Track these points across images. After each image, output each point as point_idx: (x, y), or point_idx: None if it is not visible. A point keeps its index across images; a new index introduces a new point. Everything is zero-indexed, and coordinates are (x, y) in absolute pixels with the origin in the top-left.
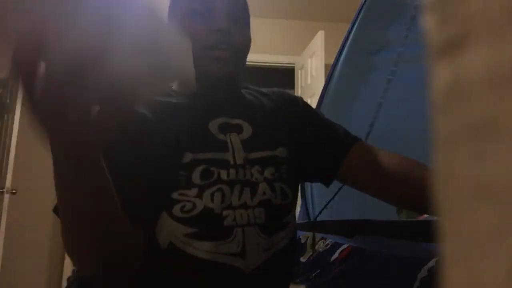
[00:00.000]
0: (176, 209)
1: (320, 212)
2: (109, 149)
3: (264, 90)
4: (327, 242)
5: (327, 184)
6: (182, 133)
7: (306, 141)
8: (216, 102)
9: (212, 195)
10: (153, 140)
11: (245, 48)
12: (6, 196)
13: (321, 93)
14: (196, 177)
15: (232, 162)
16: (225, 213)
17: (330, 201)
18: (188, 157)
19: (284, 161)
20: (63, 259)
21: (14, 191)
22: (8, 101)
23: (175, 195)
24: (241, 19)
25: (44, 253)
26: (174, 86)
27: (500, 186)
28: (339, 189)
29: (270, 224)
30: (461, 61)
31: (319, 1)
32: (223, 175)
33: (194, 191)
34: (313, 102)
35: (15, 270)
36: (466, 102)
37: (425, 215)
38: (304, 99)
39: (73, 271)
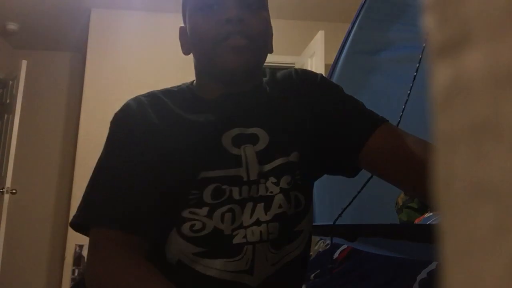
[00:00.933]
0: (186, 228)
1: (337, 219)
2: (130, 162)
3: (279, 75)
4: (327, 242)
5: (349, 172)
6: (195, 151)
7: (326, 124)
8: (230, 111)
9: (222, 215)
10: (166, 159)
11: (263, 33)
12: (6, 196)
13: None
14: (207, 195)
15: (245, 179)
16: (235, 232)
17: (346, 207)
18: (199, 175)
19: (298, 166)
20: (63, 259)
21: (14, 191)
22: (8, 101)
23: (185, 213)
24: (255, 3)
25: (44, 253)
26: (195, 84)
27: (500, 186)
28: (355, 196)
29: (281, 236)
30: (461, 61)
31: (319, 1)
32: (235, 193)
33: (204, 210)
34: None
35: (15, 270)
36: (466, 102)
37: (424, 216)
38: None
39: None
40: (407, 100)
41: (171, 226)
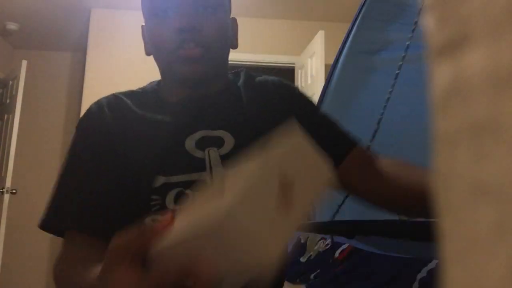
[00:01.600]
0: None
1: (334, 215)
2: (93, 167)
3: (258, 80)
4: (327, 242)
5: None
6: (155, 155)
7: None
8: (194, 113)
9: None
10: (125, 162)
11: (220, 37)
12: (6, 196)
13: (321, 93)
14: (170, 201)
15: (209, 183)
16: None
17: (341, 205)
18: (160, 180)
19: None
20: None
21: (14, 191)
22: (8, 101)
23: (148, 221)
24: (212, 6)
25: (44, 253)
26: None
27: (500, 186)
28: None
29: None
30: (461, 61)
31: (319, 1)
32: None
33: None
34: None
35: (15, 269)
36: (466, 102)
37: None
38: None
39: None
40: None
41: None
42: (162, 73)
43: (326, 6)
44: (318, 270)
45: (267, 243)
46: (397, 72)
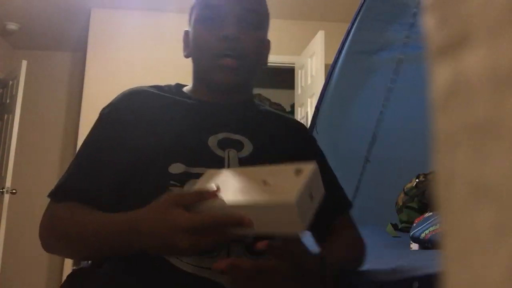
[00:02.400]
0: None
1: None
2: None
3: (278, 112)
4: None
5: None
6: (180, 142)
7: None
8: (221, 115)
9: None
10: (152, 143)
11: (257, 54)
12: (6, 196)
13: (321, 93)
14: (188, 190)
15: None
16: None
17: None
18: (180, 168)
19: None
20: (63, 259)
21: (14, 191)
22: (8, 101)
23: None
24: (255, 24)
25: (44, 253)
26: (189, 87)
27: (500, 186)
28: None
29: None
30: (461, 61)
31: (319, 1)
32: None
33: None
34: (313, 102)
35: (15, 269)
36: (466, 102)
37: (424, 215)
38: (304, 99)
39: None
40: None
41: None
42: (197, 74)
43: (326, 6)
44: None
45: (304, 221)
46: (392, 77)
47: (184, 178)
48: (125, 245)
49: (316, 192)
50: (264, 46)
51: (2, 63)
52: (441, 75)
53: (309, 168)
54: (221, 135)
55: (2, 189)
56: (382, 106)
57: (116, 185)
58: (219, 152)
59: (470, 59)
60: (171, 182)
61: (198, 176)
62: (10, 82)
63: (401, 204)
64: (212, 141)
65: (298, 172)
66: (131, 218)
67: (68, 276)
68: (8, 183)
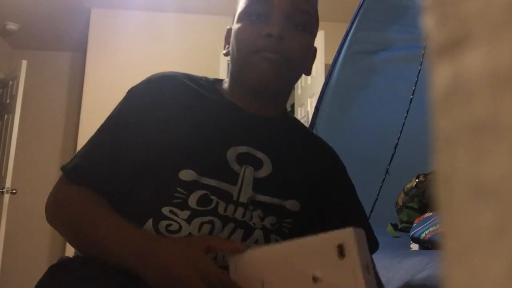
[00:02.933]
0: (162, 225)
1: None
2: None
3: (311, 133)
4: None
5: None
6: (194, 146)
7: (324, 204)
8: (248, 126)
9: (201, 225)
10: (168, 140)
11: (300, 56)
12: (6, 196)
13: (321, 93)
14: (193, 200)
15: (235, 198)
16: None
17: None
18: (190, 175)
19: (292, 214)
20: None
21: (14, 191)
22: (8, 101)
23: (165, 210)
24: (303, 25)
25: (44, 253)
26: (226, 87)
27: (500, 186)
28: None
29: None
30: (461, 61)
31: (319, 1)
32: (221, 207)
33: (185, 213)
34: (313, 102)
35: (15, 269)
36: (466, 102)
37: (424, 215)
38: (304, 99)
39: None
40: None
41: (148, 216)
42: (233, 73)
43: (326, 6)
44: None
45: None
46: (416, 78)
47: (192, 187)
48: (134, 265)
49: (368, 260)
50: (309, 51)
51: (2, 63)
52: (441, 75)
53: (352, 245)
54: (242, 149)
55: (2, 189)
56: (382, 106)
57: (129, 175)
58: (235, 167)
59: (470, 59)
60: (178, 189)
61: (206, 188)
62: (10, 82)
63: (401, 204)
64: (231, 153)
65: (341, 251)
66: (152, 244)
67: (50, 267)
68: (8, 183)
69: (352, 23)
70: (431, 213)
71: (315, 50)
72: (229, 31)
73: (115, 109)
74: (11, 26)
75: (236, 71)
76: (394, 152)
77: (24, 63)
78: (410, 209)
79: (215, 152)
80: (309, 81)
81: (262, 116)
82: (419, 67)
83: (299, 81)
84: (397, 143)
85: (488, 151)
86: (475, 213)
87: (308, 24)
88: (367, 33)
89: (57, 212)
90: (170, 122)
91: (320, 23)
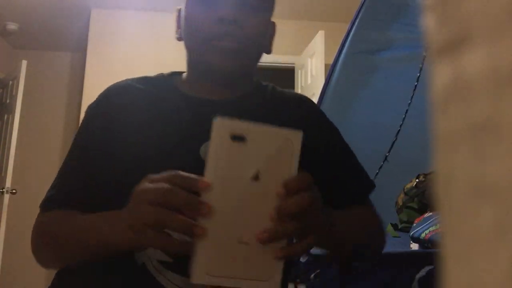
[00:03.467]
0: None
1: None
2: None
3: (282, 93)
4: None
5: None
6: (161, 152)
7: (317, 167)
8: (214, 114)
9: None
10: (132, 151)
11: (258, 36)
12: (6, 196)
13: (321, 93)
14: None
15: None
16: None
17: None
18: None
19: None
20: None
21: (14, 191)
22: (8, 101)
23: None
24: (256, 4)
25: None
26: (183, 79)
27: (500, 186)
28: None
29: None
30: (461, 61)
31: (319, 1)
32: None
33: None
34: None
35: (15, 269)
36: (466, 102)
37: (424, 215)
38: None
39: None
40: (410, 101)
41: None
42: (190, 62)
43: (326, 6)
44: (318, 270)
45: None
46: (418, 74)
47: None
48: (97, 237)
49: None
50: (266, 29)
51: (2, 63)
52: (441, 75)
53: (297, 144)
54: None
55: (2, 189)
56: (383, 106)
57: (103, 196)
58: None
59: (470, 59)
60: None
61: None
62: (10, 82)
63: (401, 204)
64: (205, 149)
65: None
66: (105, 214)
67: (58, 272)
68: (8, 183)
69: (353, 23)
70: (431, 213)
71: (273, 25)
72: (179, 12)
73: (77, 133)
74: (11, 26)
75: (191, 60)
76: (396, 139)
77: (24, 63)
78: (410, 209)
79: (186, 153)
80: (309, 81)
81: (228, 100)
82: (420, 66)
83: (299, 81)
84: (399, 130)
85: (488, 151)
86: (475, 213)
87: (263, 2)
88: (368, 33)
89: (37, 239)
90: (134, 135)
91: (320, 23)
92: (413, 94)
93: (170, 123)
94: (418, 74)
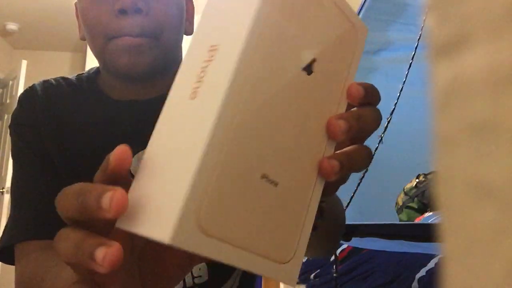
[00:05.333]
0: None
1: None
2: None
3: None
4: None
5: None
6: (89, 172)
7: None
8: (140, 122)
9: None
10: (62, 172)
11: (172, 21)
12: (6, 196)
13: None
14: None
15: None
16: None
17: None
18: None
19: None
20: None
21: None
22: (8, 101)
23: None
24: None
25: None
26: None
27: (500, 186)
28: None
29: (212, 279)
30: (461, 61)
31: None
32: None
33: None
34: None
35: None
36: (466, 102)
37: (424, 216)
38: None
39: None
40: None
41: None
42: (99, 64)
43: None
44: (318, 270)
45: None
46: (406, 72)
47: None
48: None
49: None
50: (181, 9)
51: (2, 63)
52: (441, 75)
53: None
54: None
55: (2, 189)
56: (382, 106)
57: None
58: None
59: (470, 59)
60: None
61: None
62: (10, 82)
63: (401, 204)
64: (134, 163)
65: None
66: None
67: None
68: (8, 183)
69: None
70: (431, 213)
71: (189, 1)
72: (77, 6)
73: (13, 156)
74: (11, 26)
75: (99, 61)
76: (390, 118)
77: (24, 63)
78: (410, 209)
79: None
80: None
81: (155, 99)
82: (408, 66)
83: None
84: (394, 109)
85: (488, 151)
86: (475, 213)
87: None
88: (369, 33)
89: None
90: (72, 143)
91: None
92: (400, 93)
93: (98, 136)
94: (407, 72)
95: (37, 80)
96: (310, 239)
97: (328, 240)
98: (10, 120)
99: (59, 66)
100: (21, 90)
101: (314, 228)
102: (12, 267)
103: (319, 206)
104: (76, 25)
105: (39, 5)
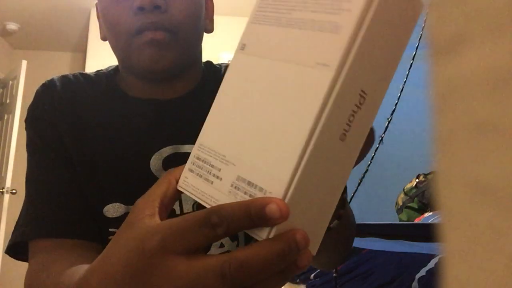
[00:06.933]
0: None
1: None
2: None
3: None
4: None
5: None
6: (110, 170)
7: None
8: (161, 121)
9: None
10: (80, 174)
11: (191, 18)
12: (6, 196)
13: None
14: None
15: (178, 212)
16: None
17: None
18: (118, 209)
19: None
20: None
21: (14, 191)
22: (8, 101)
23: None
24: None
25: None
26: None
27: (500, 186)
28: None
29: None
30: (461, 60)
31: None
32: None
33: None
34: None
35: (15, 269)
36: (466, 102)
37: (424, 215)
38: None
39: None
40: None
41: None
42: (120, 62)
43: None
44: (318, 270)
45: None
46: (406, 73)
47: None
48: None
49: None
50: (200, 7)
51: (2, 63)
52: (441, 75)
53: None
54: (166, 151)
55: (2, 189)
56: (382, 106)
57: (75, 212)
58: None
59: (470, 58)
60: (110, 230)
61: None
62: (10, 82)
63: (401, 204)
64: (155, 162)
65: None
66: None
67: None
68: (8, 183)
69: None
70: (431, 213)
71: (209, 1)
72: (97, 7)
73: (28, 151)
74: (11, 26)
75: (120, 60)
76: (390, 118)
77: (24, 63)
78: (410, 209)
79: (136, 168)
80: None
81: (176, 99)
82: (408, 66)
83: None
84: (394, 109)
85: (488, 151)
86: (475, 213)
87: None
88: None
89: None
90: (73, 150)
91: None
92: (400, 93)
93: (114, 130)
94: (407, 72)
95: (37, 80)
96: (326, 240)
97: (342, 244)
98: (26, 113)
99: (59, 66)
100: (21, 90)
101: (339, 217)
102: (12, 268)
103: (338, 212)
104: (76, 25)
105: (39, 5)
